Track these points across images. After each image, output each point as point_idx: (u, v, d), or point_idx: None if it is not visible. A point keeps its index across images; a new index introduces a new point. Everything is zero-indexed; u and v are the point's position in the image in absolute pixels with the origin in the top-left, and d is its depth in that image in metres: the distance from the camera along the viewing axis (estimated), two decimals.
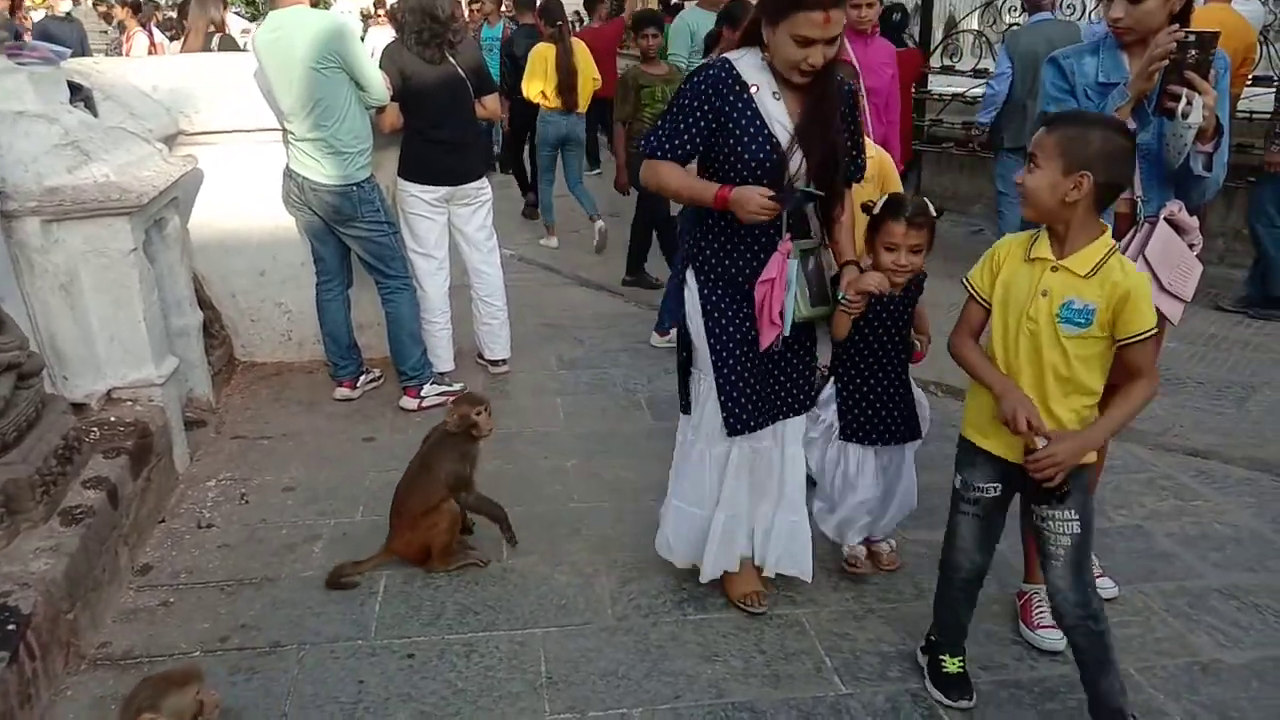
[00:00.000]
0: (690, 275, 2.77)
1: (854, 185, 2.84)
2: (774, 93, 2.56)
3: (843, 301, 2.67)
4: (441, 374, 4.63)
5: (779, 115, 2.57)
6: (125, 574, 3.13)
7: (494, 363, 4.93)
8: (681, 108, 2.59)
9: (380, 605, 2.99)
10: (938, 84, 8.35)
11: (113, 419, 3.49)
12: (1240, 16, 5.60)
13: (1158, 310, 2.58)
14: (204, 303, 4.53)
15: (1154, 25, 2.52)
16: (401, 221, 4.52)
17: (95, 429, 3.40)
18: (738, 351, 2.72)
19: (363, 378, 4.63)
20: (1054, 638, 2.73)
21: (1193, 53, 2.41)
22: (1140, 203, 2.61)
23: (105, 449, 3.31)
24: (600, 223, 7.23)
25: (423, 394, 4.46)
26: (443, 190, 4.50)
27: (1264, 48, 6.06)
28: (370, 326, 4.79)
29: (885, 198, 2.89)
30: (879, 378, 3.02)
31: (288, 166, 4.27)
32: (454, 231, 4.68)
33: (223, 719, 2.47)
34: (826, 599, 3.03)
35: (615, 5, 9.81)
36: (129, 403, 3.60)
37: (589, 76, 7.10)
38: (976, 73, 7.73)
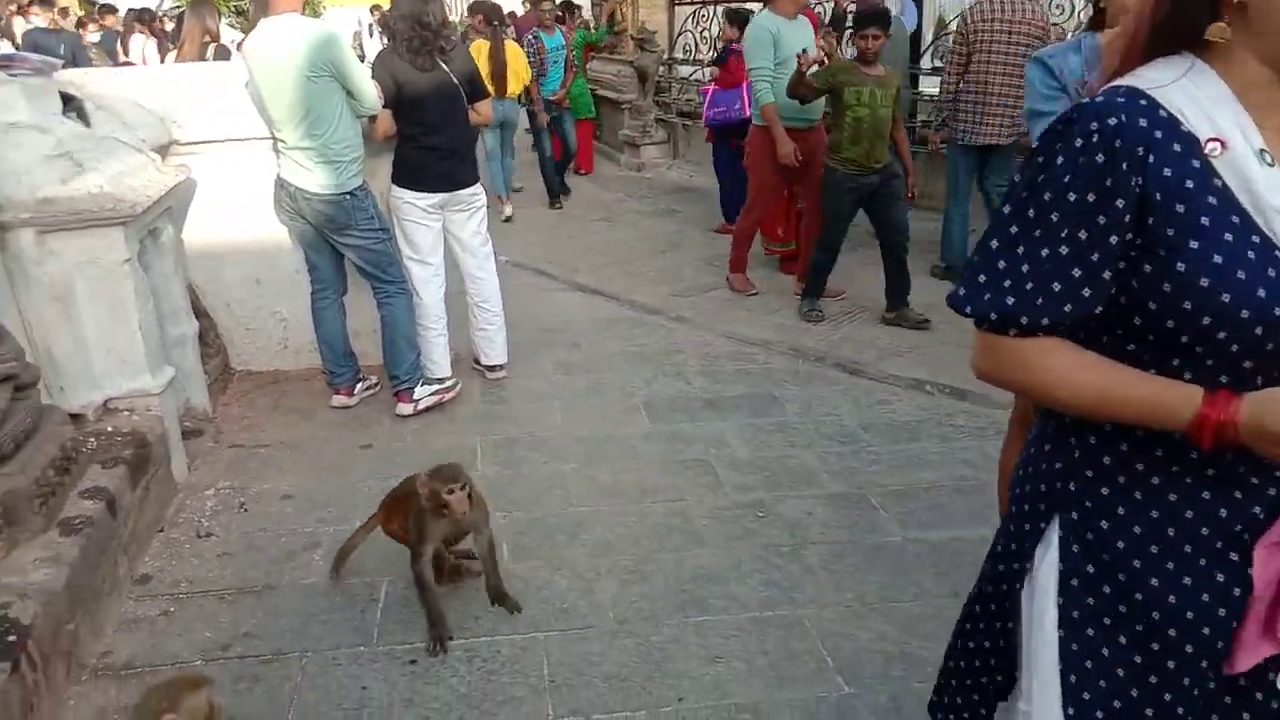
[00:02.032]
0: (1049, 557, 1.38)
1: None
2: (1261, 151, 1.20)
3: None
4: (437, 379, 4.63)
5: None
6: (125, 584, 3.12)
7: (491, 368, 4.93)
8: (1047, 213, 1.23)
9: (381, 612, 2.99)
10: (928, 85, 8.37)
11: (110, 429, 3.49)
12: None
13: None
14: (199, 312, 4.52)
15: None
16: (396, 229, 4.52)
17: (93, 439, 3.39)
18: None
19: (359, 385, 4.63)
20: None
21: None
22: None
23: (103, 459, 3.30)
24: (508, 207, 8.72)
25: (416, 396, 4.46)
26: (437, 197, 4.49)
27: None
28: (366, 334, 4.78)
29: None
30: None
31: (279, 175, 4.26)
32: (449, 238, 4.68)
33: None
34: (828, 598, 3.03)
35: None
36: (126, 413, 3.59)
37: (516, 70, 8.23)
38: None
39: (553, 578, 3.16)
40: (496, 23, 8.48)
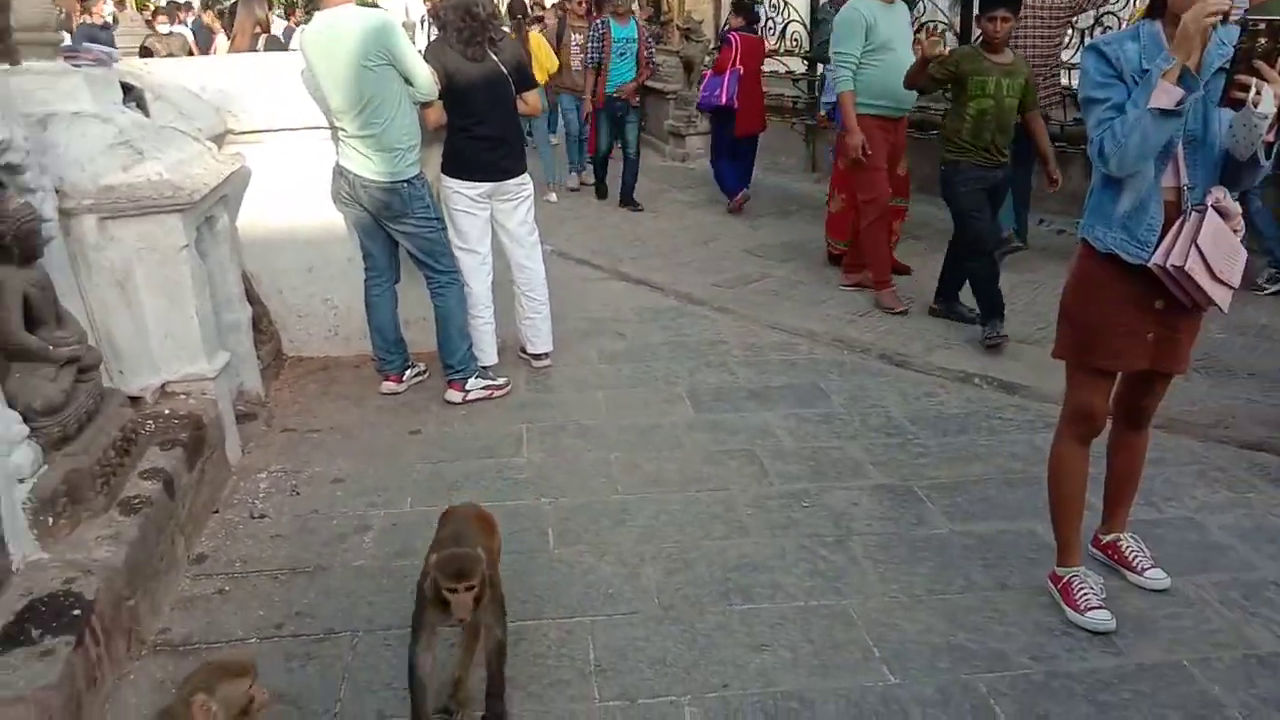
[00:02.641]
0: None
1: None
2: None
3: None
4: (485, 368, 4.67)
5: None
6: (182, 563, 3.20)
7: (536, 356, 4.97)
8: None
9: None
10: None
11: (167, 412, 3.57)
12: None
13: (1210, 300, 2.56)
14: (252, 299, 4.60)
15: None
16: (445, 217, 4.57)
17: (151, 422, 3.47)
18: None
19: (409, 372, 4.69)
20: (1103, 617, 2.77)
21: (1262, 41, 2.34)
22: (1187, 190, 2.57)
23: (161, 441, 3.38)
24: (554, 194, 9.11)
25: (467, 388, 4.51)
26: (485, 186, 4.53)
27: None
28: (416, 321, 4.84)
29: None
30: None
31: (338, 164, 4.34)
32: (496, 227, 4.72)
33: (279, 704, 2.53)
34: (874, 589, 3.02)
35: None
36: (183, 396, 3.68)
37: (539, 60, 8.29)
38: None
39: (598, 563, 3.18)
40: (520, 16, 8.81)
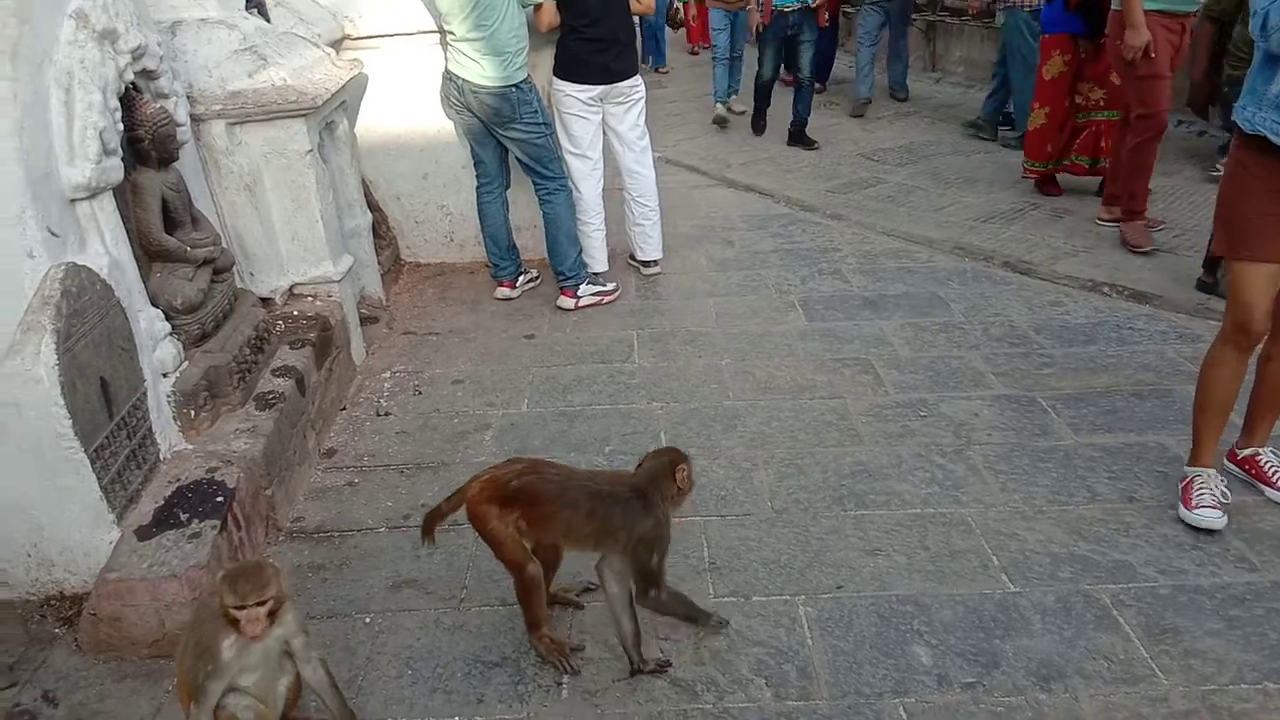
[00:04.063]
0: None
1: None
2: None
3: None
4: (596, 274, 4.69)
5: None
6: (313, 456, 3.36)
7: (646, 264, 4.95)
8: None
9: None
10: None
11: (296, 313, 3.71)
12: None
13: None
14: (372, 205, 4.70)
15: None
16: (556, 122, 4.54)
17: (281, 322, 3.61)
18: None
19: (521, 278, 4.74)
20: (1213, 516, 2.73)
21: None
22: None
23: (291, 340, 3.52)
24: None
25: (579, 294, 4.54)
26: (597, 89, 4.47)
27: None
28: (527, 228, 4.88)
29: None
30: None
31: (447, 69, 4.33)
32: (608, 131, 4.67)
33: (410, 589, 2.66)
34: (993, 499, 2.96)
35: None
36: (310, 298, 3.81)
37: None
38: None
39: (710, 466, 3.20)
40: None
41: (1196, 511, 2.75)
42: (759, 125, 7.86)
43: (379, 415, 3.64)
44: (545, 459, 2.51)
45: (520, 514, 2.23)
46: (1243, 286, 2.68)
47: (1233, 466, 2.98)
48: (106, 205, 2.65)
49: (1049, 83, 5.46)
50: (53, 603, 2.55)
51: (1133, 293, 4.36)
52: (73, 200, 2.53)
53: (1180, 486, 2.86)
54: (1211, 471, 2.84)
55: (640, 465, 2.33)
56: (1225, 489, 2.82)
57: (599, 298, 4.57)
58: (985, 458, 3.17)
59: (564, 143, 4.54)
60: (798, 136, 7.33)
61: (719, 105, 8.35)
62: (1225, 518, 2.74)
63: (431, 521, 2.42)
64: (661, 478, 2.24)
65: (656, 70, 10.88)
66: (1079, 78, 5.37)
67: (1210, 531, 2.72)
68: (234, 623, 1.89)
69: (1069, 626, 2.42)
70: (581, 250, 4.60)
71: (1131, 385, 3.58)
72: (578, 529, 2.23)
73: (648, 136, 4.78)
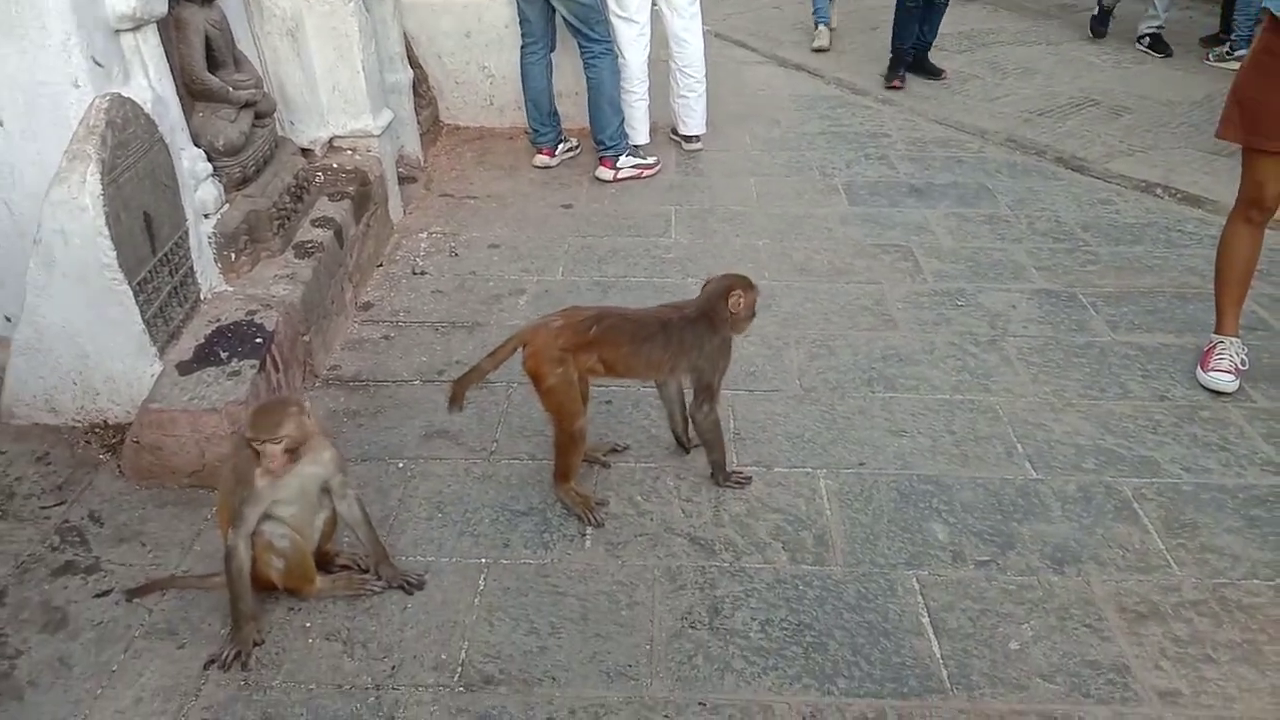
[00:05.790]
0: None
1: None
2: None
3: None
4: (637, 146, 4.61)
5: None
6: (350, 308, 3.39)
7: (688, 138, 4.86)
8: None
9: None
10: None
11: (334, 165, 3.69)
12: None
13: None
14: (413, 62, 4.62)
15: None
16: None
17: (320, 174, 3.61)
18: None
19: (561, 146, 4.68)
20: (1225, 379, 2.88)
21: None
22: None
23: (330, 192, 3.52)
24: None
25: (618, 165, 4.47)
26: None
27: None
28: (569, 96, 4.78)
29: None
30: None
31: None
32: None
33: (443, 439, 2.72)
34: (1024, 389, 2.95)
35: None
36: (349, 151, 3.78)
37: None
38: None
39: (742, 341, 3.18)
40: None
41: (1211, 374, 2.92)
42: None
43: (415, 274, 3.66)
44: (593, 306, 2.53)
45: (598, 357, 2.33)
46: (1255, 169, 2.78)
47: None
48: (151, 39, 2.62)
49: None
50: (97, 430, 2.64)
51: (1185, 195, 4.24)
52: (117, 31, 2.50)
53: (1203, 350, 2.99)
54: (1233, 339, 2.96)
55: (703, 288, 2.44)
56: (1245, 357, 2.95)
57: (638, 170, 4.51)
58: (1019, 349, 3.15)
59: (612, 6, 4.40)
60: (920, 64, 5.89)
61: (821, 27, 6.59)
62: (1237, 382, 2.89)
63: (465, 384, 2.41)
64: (718, 301, 2.36)
65: None
66: None
67: (1220, 394, 2.88)
68: (256, 455, 1.95)
69: (1088, 515, 2.44)
70: (624, 120, 4.51)
71: (1175, 287, 3.52)
72: (657, 359, 2.37)
73: (699, 3, 4.62)
